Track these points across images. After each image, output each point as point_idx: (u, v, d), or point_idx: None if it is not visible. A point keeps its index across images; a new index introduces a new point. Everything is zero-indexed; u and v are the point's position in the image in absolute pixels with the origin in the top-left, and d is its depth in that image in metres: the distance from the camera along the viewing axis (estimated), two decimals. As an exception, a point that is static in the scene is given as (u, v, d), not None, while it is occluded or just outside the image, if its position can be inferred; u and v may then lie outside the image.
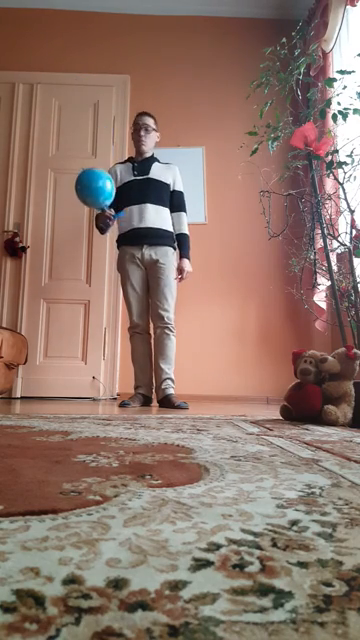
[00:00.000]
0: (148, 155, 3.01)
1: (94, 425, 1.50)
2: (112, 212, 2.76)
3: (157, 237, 2.89)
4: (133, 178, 2.94)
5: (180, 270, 2.94)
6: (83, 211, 3.86)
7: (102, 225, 2.89)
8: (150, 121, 3.01)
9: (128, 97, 4.01)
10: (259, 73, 2.59)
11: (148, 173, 2.95)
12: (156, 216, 2.90)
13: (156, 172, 2.96)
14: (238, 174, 3.70)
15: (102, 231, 2.96)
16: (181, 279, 2.96)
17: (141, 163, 2.99)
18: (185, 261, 2.97)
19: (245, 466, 0.84)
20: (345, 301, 2.40)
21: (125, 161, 3.10)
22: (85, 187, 2.55)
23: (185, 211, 3.05)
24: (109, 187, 2.57)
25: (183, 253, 2.98)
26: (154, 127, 3.02)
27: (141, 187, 2.91)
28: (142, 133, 2.97)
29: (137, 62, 4.07)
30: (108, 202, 2.63)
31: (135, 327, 2.94)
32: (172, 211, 3.00)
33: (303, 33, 2.94)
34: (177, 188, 3.02)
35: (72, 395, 3.62)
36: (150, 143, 3.01)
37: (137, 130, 2.99)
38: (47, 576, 0.37)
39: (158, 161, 3.03)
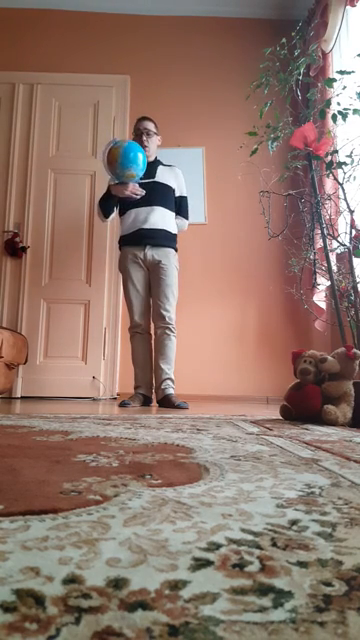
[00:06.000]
0: (152, 159, 3.02)
1: (94, 425, 1.49)
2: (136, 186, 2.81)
3: (160, 238, 2.91)
4: (139, 181, 2.95)
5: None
6: (83, 211, 3.86)
7: (112, 203, 2.93)
8: (151, 125, 3.02)
9: (128, 97, 4.01)
10: (259, 73, 2.59)
11: (154, 176, 2.96)
12: (162, 219, 2.92)
13: (161, 175, 2.98)
14: (238, 174, 3.70)
15: (108, 212, 2.98)
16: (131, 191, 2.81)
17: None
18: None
19: (245, 466, 0.84)
20: (345, 301, 2.40)
21: None
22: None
23: (187, 219, 3.11)
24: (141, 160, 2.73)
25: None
26: (155, 131, 3.03)
27: (148, 190, 2.91)
28: (144, 138, 2.97)
29: (137, 62, 4.07)
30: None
31: (136, 327, 2.94)
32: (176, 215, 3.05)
33: (303, 33, 2.94)
34: (182, 193, 3.06)
35: (72, 395, 3.62)
36: (153, 147, 3.02)
37: (139, 135, 2.99)
38: (47, 576, 0.37)
39: (162, 164, 3.05)
